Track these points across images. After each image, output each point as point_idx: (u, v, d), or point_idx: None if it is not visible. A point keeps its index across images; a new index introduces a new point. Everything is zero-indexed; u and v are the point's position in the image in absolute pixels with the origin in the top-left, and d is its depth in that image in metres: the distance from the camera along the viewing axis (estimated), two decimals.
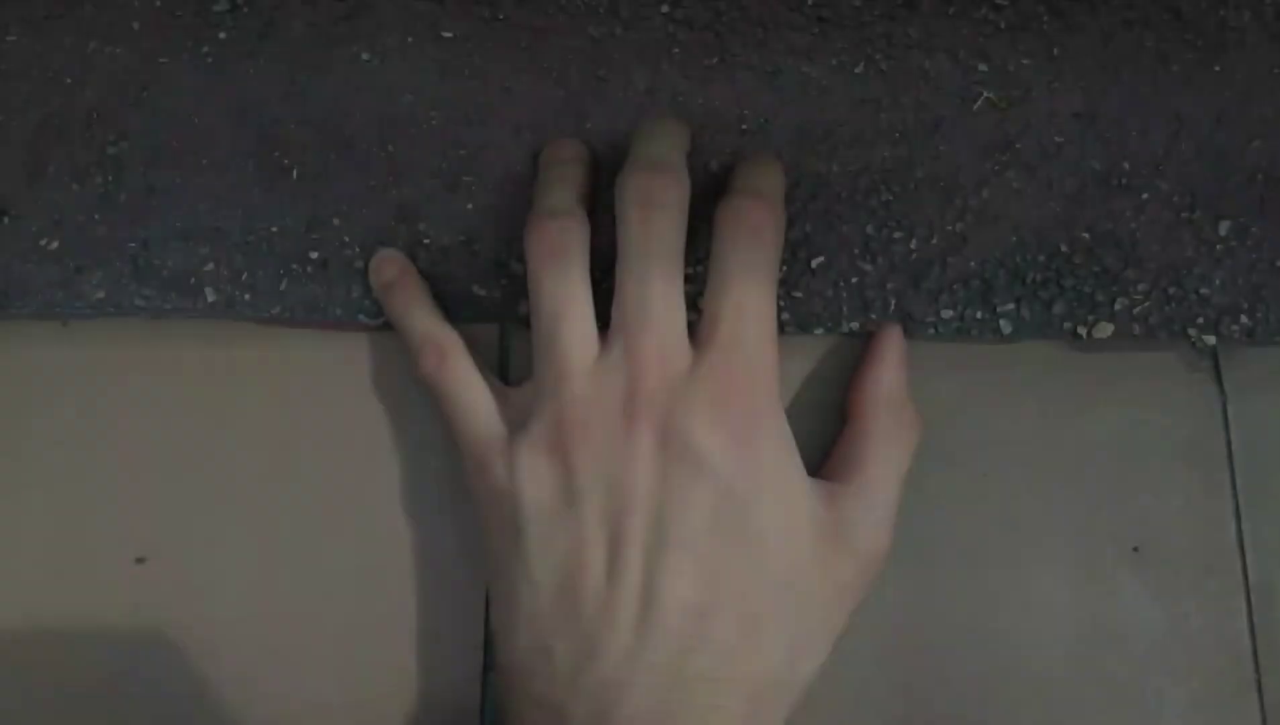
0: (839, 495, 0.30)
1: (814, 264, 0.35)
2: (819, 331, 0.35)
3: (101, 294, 0.35)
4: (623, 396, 0.28)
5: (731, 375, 0.28)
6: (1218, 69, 0.37)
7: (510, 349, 0.34)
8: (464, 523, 0.33)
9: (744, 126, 0.36)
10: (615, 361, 0.28)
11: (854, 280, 0.35)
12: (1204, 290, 0.35)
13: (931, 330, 0.35)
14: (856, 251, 0.35)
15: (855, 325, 0.35)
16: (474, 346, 0.32)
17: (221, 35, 0.37)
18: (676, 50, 0.37)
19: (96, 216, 0.35)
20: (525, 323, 0.35)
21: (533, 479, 0.28)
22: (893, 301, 0.35)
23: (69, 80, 0.36)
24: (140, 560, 0.33)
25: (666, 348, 0.28)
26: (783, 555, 0.28)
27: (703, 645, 0.26)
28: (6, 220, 0.35)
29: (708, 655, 0.26)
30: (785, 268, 0.35)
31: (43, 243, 0.35)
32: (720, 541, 0.27)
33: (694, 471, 0.27)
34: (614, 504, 0.27)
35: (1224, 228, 0.36)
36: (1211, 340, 0.35)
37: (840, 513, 0.29)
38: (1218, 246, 0.36)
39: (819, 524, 0.29)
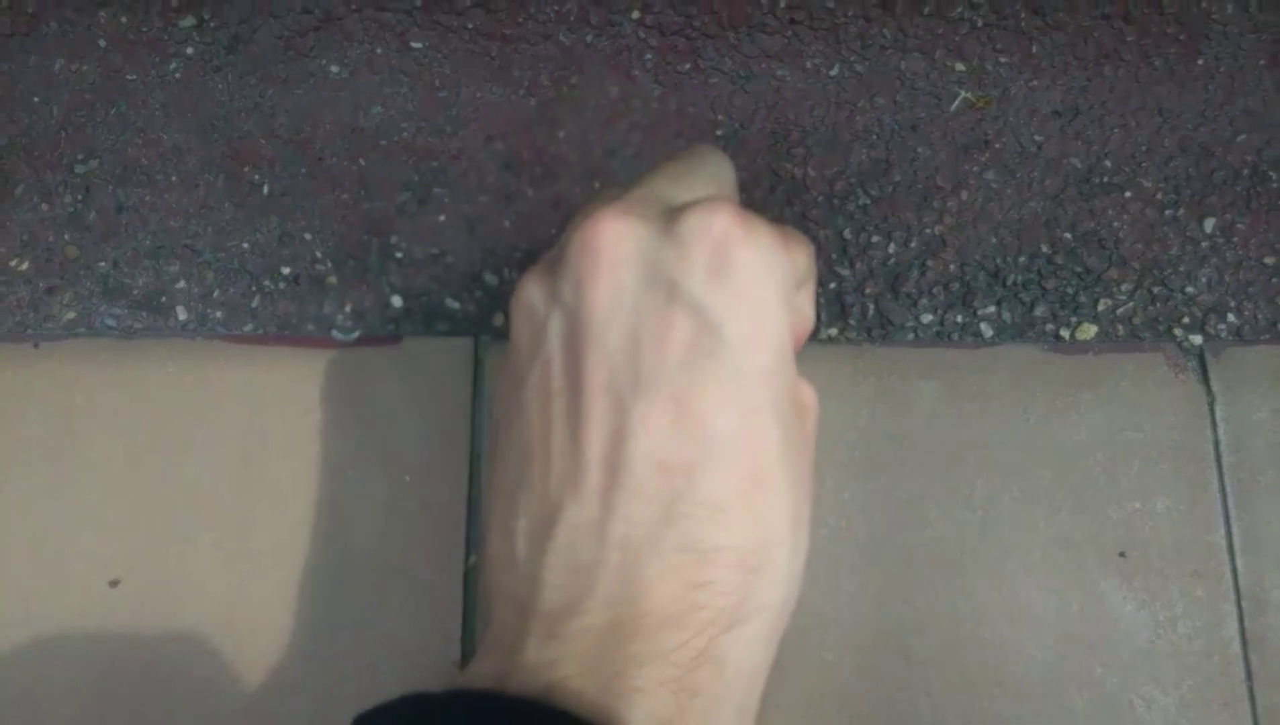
0: None
1: None
2: None
3: (72, 314, 0.35)
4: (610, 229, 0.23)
5: (704, 222, 0.23)
6: (1201, 62, 0.36)
7: (483, 362, 0.34)
8: (442, 537, 0.33)
9: (718, 132, 0.36)
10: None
11: (831, 285, 0.35)
12: (1189, 289, 0.35)
13: (911, 334, 0.34)
14: (834, 256, 0.35)
15: (834, 331, 0.34)
16: (447, 360, 0.32)
17: (189, 51, 0.36)
18: (648, 56, 0.36)
19: (66, 236, 0.35)
20: (499, 335, 0.34)
21: (519, 306, 0.24)
22: (871, 306, 0.34)
23: (36, 99, 0.36)
24: (114, 583, 0.33)
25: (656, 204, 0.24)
26: (769, 390, 0.23)
27: (688, 510, 0.22)
28: None
29: (695, 522, 0.22)
30: None
31: (12, 264, 0.35)
32: (703, 382, 0.22)
33: (667, 298, 0.22)
34: (575, 337, 0.23)
35: (1209, 225, 0.35)
36: (1198, 340, 0.34)
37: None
38: (1203, 244, 0.35)
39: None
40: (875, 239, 0.35)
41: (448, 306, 0.35)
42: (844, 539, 0.33)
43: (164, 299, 0.35)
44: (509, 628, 0.22)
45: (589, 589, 0.21)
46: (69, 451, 0.33)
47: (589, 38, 0.36)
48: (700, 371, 0.22)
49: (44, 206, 0.35)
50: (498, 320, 0.35)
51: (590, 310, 0.23)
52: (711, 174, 0.26)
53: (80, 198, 0.35)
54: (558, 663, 0.21)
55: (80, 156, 0.36)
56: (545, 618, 0.22)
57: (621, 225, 0.23)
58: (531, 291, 0.24)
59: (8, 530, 0.33)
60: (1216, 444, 0.34)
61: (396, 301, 0.35)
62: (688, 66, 0.36)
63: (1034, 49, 0.36)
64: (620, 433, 0.22)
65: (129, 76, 0.36)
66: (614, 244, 0.23)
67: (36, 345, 0.34)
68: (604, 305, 0.22)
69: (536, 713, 0.20)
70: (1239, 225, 0.35)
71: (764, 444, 0.23)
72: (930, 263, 0.35)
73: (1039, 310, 0.34)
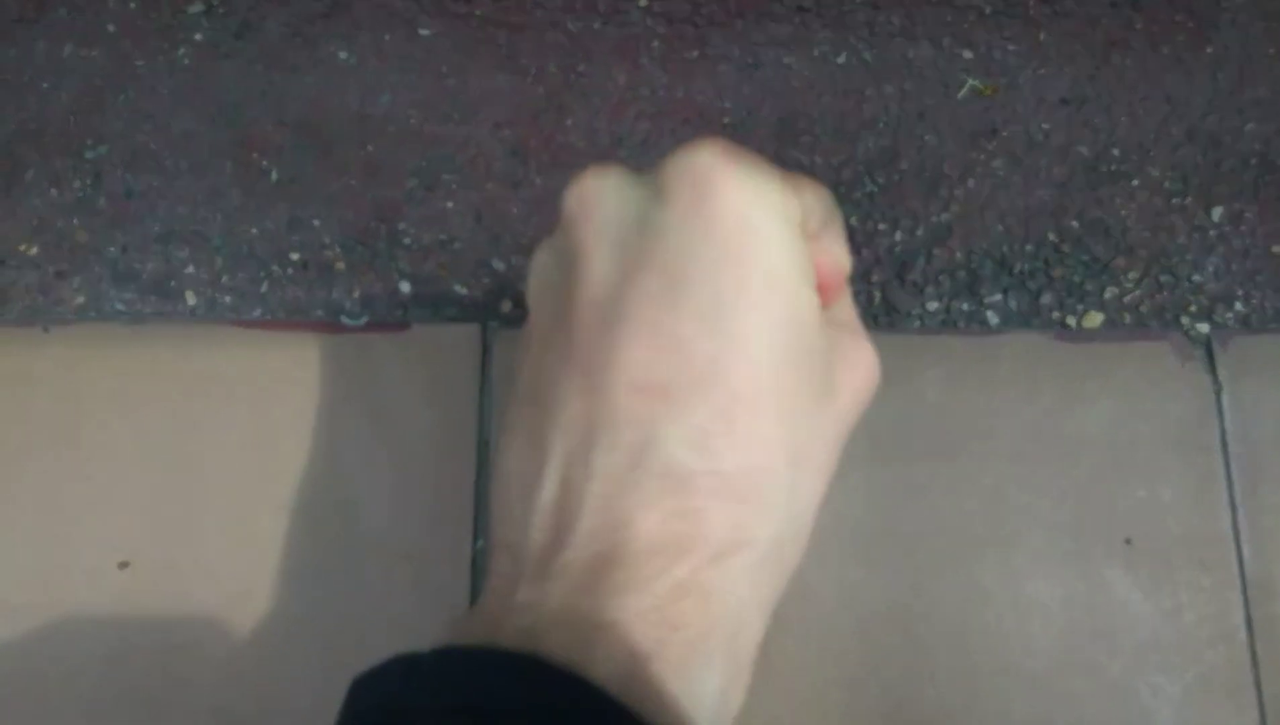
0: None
1: None
2: None
3: (82, 299, 0.35)
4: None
5: (687, 157, 0.23)
6: (1210, 50, 0.36)
7: (492, 348, 0.34)
8: (449, 523, 0.33)
9: (725, 120, 0.36)
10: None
11: None
12: (1196, 277, 0.35)
13: (917, 322, 0.34)
14: None
15: None
16: (455, 346, 0.32)
17: (197, 37, 0.36)
18: (656, 44, 0.36)
19: (75, 221, 0.35)
20: (507, 321, 0.35)
21: (531, 270, 0.25)
22: (878, 294, 0.34)
23: (45, 85, 0.36)
24: (124, 565, 0.33)
25: None
26: (758, 316, 0.22)
27: (668, 433, 0.21)
28: None
29: (675, 446, 0.21)
30: None
31: (22, 248, 0.35)
32: (679, 309, 0.22)
33: (643, 229, 0.22)
34: (565, 278, 0.23)
35: (1217, 213, 0.35)
36: (1205, 328, 0.34)
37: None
38: (1211, 232, 0.35)
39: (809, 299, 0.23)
40: (882, 227, 0.35)
41: (455, 292, 0.35)
42: (848, 525, 0.33)
43: (173, 284, 0.35)
44: (505, 575, 0.23)
45: (573, 522, 0.21)
46: (78, 435, 0.34)
47: (596, 25, 0.36)
48: (675, 299, 0.22)
49: (53, 192, 0.36)
50: (505, 306, 0.35)
51: (576, 250, 0.23)
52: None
53: (90, 183, 0.36)
54: (545, 600, 0.21)
55: (90, 142, 0.36)
56: (535, 557, 0.22)
57: (605, 169, 0.23)
58: (542, 250, 0.25)
59: (18, 513, 0.33)
60: (1223, 433, 0.34)
61: (405, 287, 0.35)
62: (695, 54, 0.36)
63: (1042, 37, 0.36)
64: (599, 362, 0.22)
65: (138, 63, 0.36)
66: (595, 185, 0.23)
67: (46, 329, 0.35)
68: (589, 243, 0.23)
69: (519, 664, 0.20)
70: (1247, 214, 0.35)
71: (748, 368, 0.22)
72: (937, 250, 0.35)
73: (1045, 298, 0.34)
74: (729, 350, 0.22)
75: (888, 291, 0.34)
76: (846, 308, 0.26)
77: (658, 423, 0.21)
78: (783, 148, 0.35)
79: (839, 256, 0.25)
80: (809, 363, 0.23)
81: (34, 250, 0.35)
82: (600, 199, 0.23)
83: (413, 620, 0.32)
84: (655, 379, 0.22)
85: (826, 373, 0.24)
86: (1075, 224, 0.35)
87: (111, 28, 0.37)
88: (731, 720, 0.23)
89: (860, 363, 0.25)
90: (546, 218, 0.35)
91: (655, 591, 0.21)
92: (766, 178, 0.23)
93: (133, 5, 0.37)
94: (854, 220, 0.35)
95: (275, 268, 0.35)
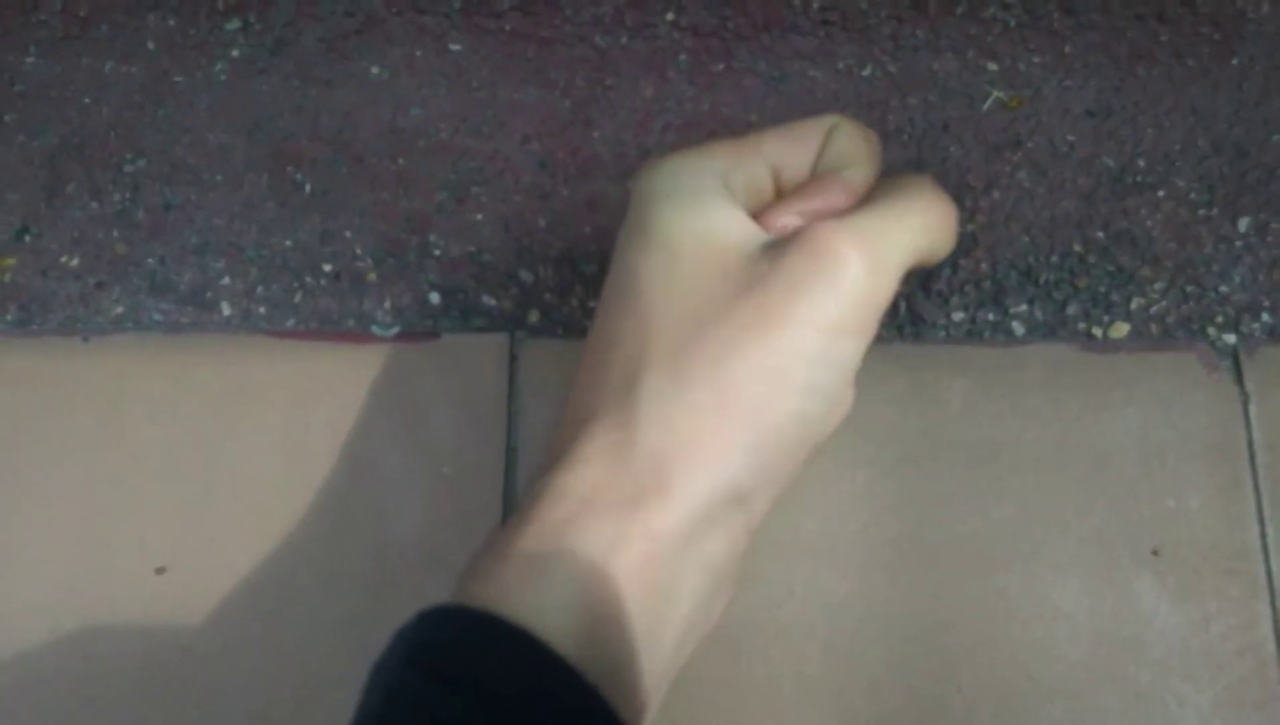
0: None
1: None
2: None
3: (120, 309, 0.36)
4: None
5: None
6: (1235, 62, 0.36)
7: (519, 357, 0.35)
8: (477, 529, 0.33)
9: None
10: None
11: None
12: (1223, 288, 0.35)
13: (943, 332, 0.34)
14: None
15: None
16: (483, 355, 0.33)
17: (234, 53, 0.37)
18: (682, 57, 0.37)
19: (115, 233, 0.36)
20: (534, 331, 0.35)
21: None
22: (903, 304, 0.35)
23: (87, 100, 0.37)
24: (160, 570, 0.33)
25: None
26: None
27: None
28: (28, 238, 0.36)
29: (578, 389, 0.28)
30: None
31: (63, 260, 0.36)
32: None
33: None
34: None
35: (1243, 224, 0.35)
36: (1231, 339, 0.34)
37: None
38: (1237, 243, 0.35)
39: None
40: None
41: (484, 303, 0.35)
42: (875, 535, 0.33)
43: (209, 295, 0.36)
44: None
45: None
46: (117, 442, 0.34)
47: (624, 40, 0.37)
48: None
49: (94, 204, 0.36)
50: (533, 316, 0.35)
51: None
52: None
53: (129, 196, 0.36)
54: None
55: (129, 156, 0.37)
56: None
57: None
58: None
59: (58, 519, 0.34)
60: (1250, 443, 0.34)
61: (434, 298, 0.35)
62: (721, 67, 0.37)
63: (1067, 49, 0.36)
64: None
65: (176, 78, 0.37)
66: None
67: (86, 339, 0.35)
68: None
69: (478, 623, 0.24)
70: (1273, 224, 0.35)
71: (603, 302, 0.27)
72: (962, 261, 0.35)
73: (1071, 309, 0.35)
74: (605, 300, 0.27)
75: (913, 302, 0.35)
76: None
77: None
78: None
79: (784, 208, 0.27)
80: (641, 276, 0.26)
81: (74, 261, 0.36)
82: None
83: None
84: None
85: (694, 275, 0.25)
86: (1101, 235, 0.35)
87: (151, 45, 0.37)
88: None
89: (805, 245, 0.25)
90: (574, 230, 0.36)
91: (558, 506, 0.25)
92: (669, 168, 0.26)
93: (171, 22, 0.37)
94: None
95: (308, 279, 0.36)
